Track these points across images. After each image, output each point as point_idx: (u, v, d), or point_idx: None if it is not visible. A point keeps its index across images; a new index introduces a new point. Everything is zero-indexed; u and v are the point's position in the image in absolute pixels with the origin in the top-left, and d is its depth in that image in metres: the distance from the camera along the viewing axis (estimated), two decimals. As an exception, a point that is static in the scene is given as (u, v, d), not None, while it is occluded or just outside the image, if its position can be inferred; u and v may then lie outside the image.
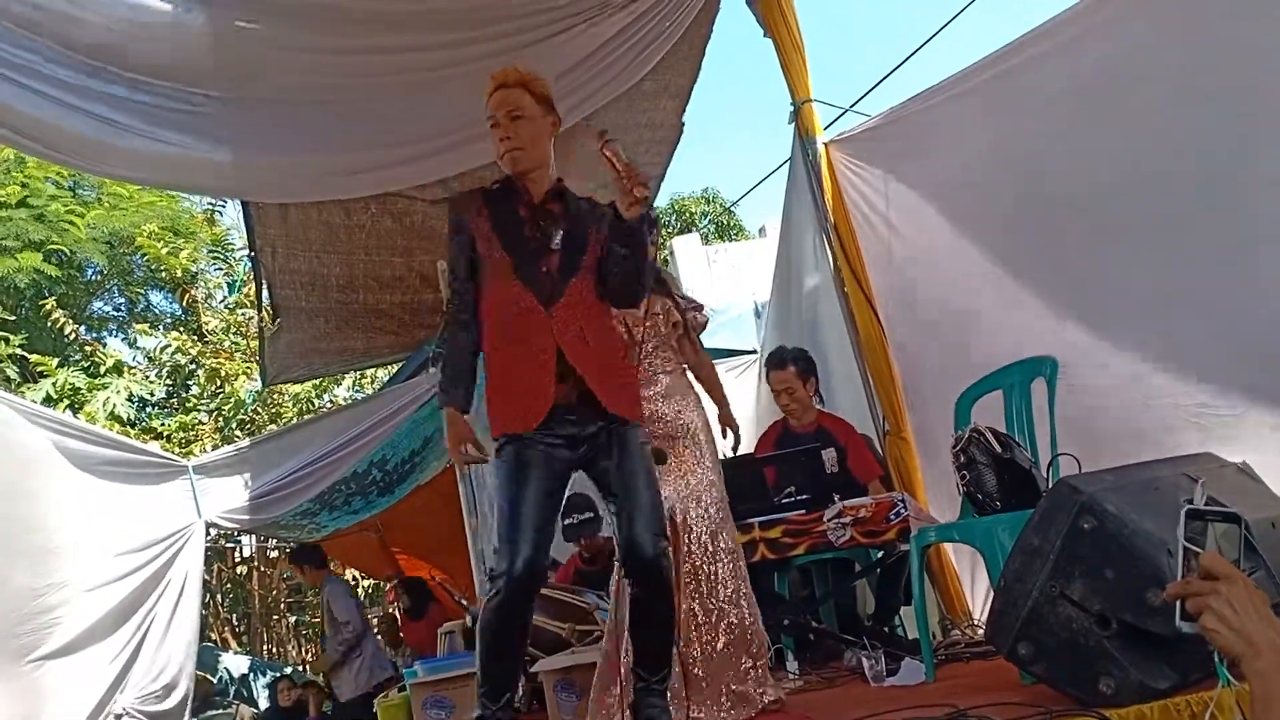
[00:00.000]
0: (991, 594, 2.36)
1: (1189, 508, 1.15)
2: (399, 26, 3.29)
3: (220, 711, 6.98)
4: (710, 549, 2.70)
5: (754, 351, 5.86)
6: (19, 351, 9.30)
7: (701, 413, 2.87)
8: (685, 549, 2.69)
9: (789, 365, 3.73)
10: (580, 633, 3.53)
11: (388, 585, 9.74)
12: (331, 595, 5.89)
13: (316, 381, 9.50)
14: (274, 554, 9.94)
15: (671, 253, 11.49)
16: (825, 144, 3.99)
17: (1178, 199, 2.97)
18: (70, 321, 9.35)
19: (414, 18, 3.27)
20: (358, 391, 10.32)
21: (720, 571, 2.69)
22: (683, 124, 5.11)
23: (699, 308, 3.07)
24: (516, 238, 2.32)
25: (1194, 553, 1.11)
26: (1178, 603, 1.09)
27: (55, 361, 9.31)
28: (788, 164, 4.39)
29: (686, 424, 2.81)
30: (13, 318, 9.87)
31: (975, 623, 3.40)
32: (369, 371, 10.04)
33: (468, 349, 2.37)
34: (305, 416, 8.81)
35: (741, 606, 2.68)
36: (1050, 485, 2.49)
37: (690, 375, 2.95)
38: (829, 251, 3.97)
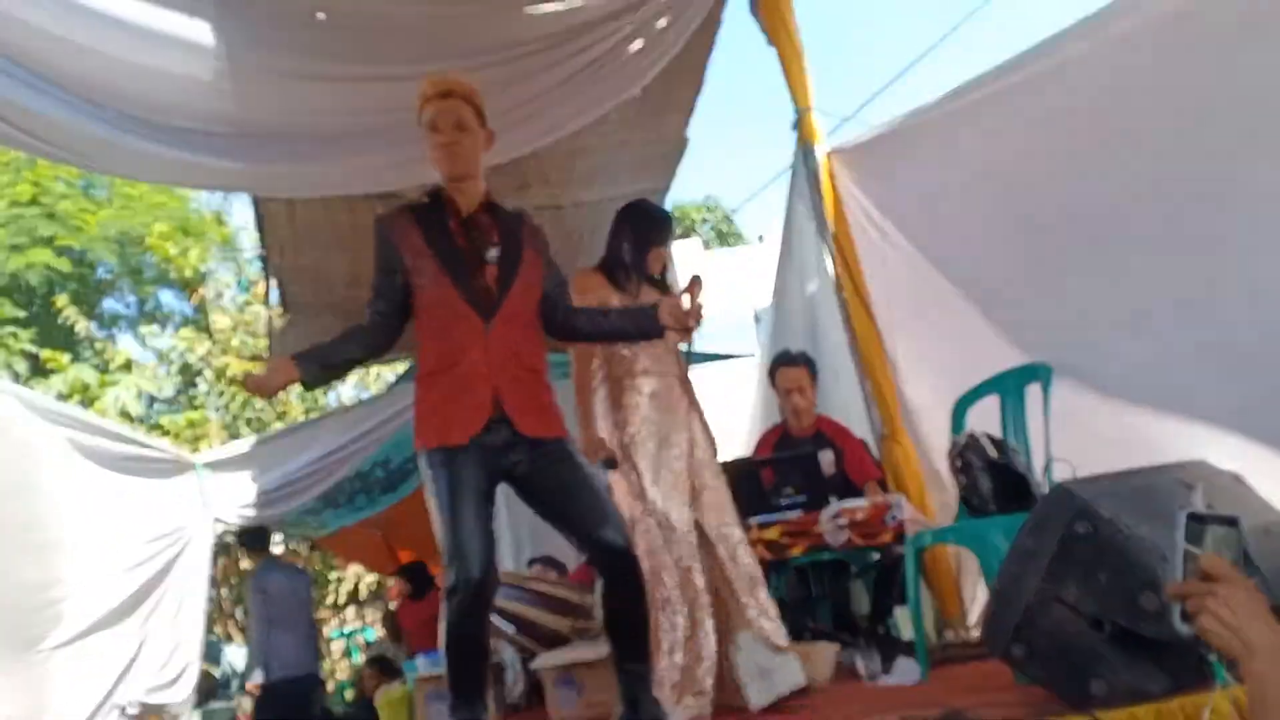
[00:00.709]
0: (986, 596, 2.36)
1: (1189, 511, 1.14)
2: (405, 44, 3.30)
3: (223, 705, 6.96)
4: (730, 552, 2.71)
5: (751, 355, 5.87)
6: (30, 347, 9.30)
7: (697, 416, 2.85)
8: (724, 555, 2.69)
9: (801, 364, 3.77)
10: (580, 629, 3.52)
11: (390, 582, 9.75)
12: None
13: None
14: (278, 549, 9.95)
15: (671, 258, 11.48)
16: (826, 153, 3.99)
17: (1172, 212, 2.98)
18: (81, 319, 9.35)
19: (416, 35, 3.28)
20: (363, 391, 10.32)
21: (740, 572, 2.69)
22: (686, 138, 5.11)
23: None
24: (450, 250, 2.30)
25: (1193, 555, 1.11)
26: (1177, 604, 1.09)
27: (66, 358, 9.31)
28: (788, 172, 4.39)
29: (699, 427, 2.79)
30: (24, 314, 9.88)
31: (970, 625, 3.40)
32: (374, 371, 10.05)
33: (354, 337, 2.35)
34: (311, 415, 8.81)
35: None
36: (1045, 490, 2.50)
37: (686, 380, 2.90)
38: (828, 258, 3.98)
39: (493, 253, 2.32)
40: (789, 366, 3.78)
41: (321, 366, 2.31)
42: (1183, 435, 2.82)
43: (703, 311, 2.25)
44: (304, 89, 3.36)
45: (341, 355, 2.36)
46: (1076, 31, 3.13)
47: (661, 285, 2.97)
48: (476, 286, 2.28)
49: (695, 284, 2.25)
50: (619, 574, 2.25)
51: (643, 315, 2.34)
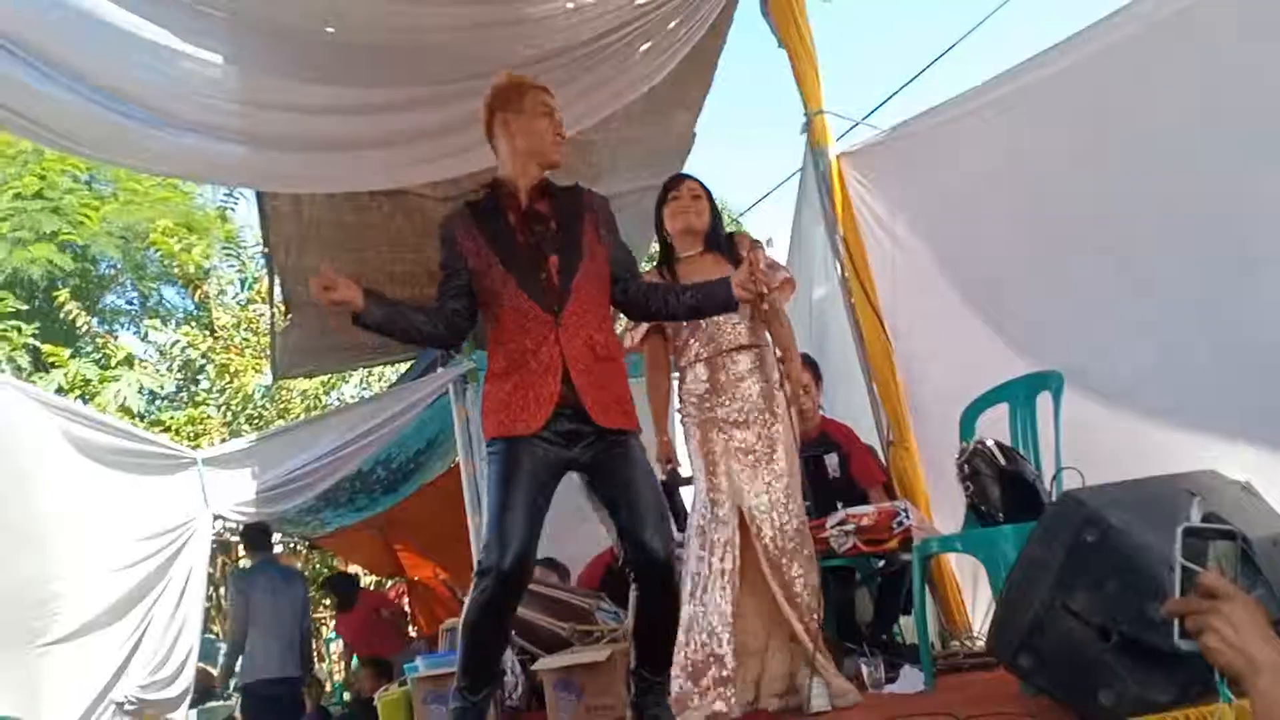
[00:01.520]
0: (992, 605, 2.35)
1: (1186, 525, 1.15)
2: (418, 38, 3.31)
3: (220, 703, 6.97)
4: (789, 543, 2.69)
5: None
6: (31, 341, 9.33)
7: (779, 397, 2.80)
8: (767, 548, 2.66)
9: (809, 367, 3.76)
10: (581, 633, 3.53)
11: (389, 583, 9.76)
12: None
13: (324, 379, 9.53)
14: (278, 549, 9.96)
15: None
16: (836, 156, 4.00)
17: (1183, 218, 2.98)
18: (83, 314, 9.38)
19: (437, 31, 3.30)
20: (365, 390, 10.34)
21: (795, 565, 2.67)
22: (694, 134, 5.12)
23: (774, 265, 2.95)
24: (511, 249, 2.32)
25: (1193, 571, 1.11)
26: (1175, 620, 1.09)
27: (67, 353, 9.34)
28: (798, 175, 4.40)
29: (761, 409, 2.74)
30: (26, 307, 9.91)
31: (975, 634, 3.39)
32: (376, 370, 10.06)
33: (428, 312, 2.34)
34: (313, 413, 8.83)
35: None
36: (1053, 498, 2.49)
37: (769, 355, 2.83)
38: (837, 262, 3.98)
39: (553, 244, 2.32)
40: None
41: (385, 316, 2.26)
42: (1193, 444, 2.82)
43: (774, 273, 2.24)
44: (313, 100, 3.39)
45: (408, 320, 2.32)
46: (1087, 33, 3.13)
47: (729, 252, 2.89)
48: (541, 283, 2.28)
49: (753, 249, 2.25)
50: (655, 583, 2.24)
51: (717, 288, 2.33)
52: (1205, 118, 2.87)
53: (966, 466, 2.66)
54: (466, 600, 2.21)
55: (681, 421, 2.81)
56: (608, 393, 2.29)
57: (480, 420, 2.38)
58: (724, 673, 2.56)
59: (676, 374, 2.92)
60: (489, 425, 2.30)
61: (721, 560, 2.63)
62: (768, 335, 2.86)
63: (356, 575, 8.58)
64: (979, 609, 3.56)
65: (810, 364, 3.80)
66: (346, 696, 8.33)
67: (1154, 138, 3.01)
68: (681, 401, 2.80)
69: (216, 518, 5.62)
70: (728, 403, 2.74)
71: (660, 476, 2.65)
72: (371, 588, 10.26)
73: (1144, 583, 1.82)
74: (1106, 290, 3.18)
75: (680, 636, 2.52)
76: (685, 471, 2.95)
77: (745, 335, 2.79)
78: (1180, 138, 2.95)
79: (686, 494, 3.13)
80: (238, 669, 5.65)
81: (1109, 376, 3.11)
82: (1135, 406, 3.08)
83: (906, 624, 3.58)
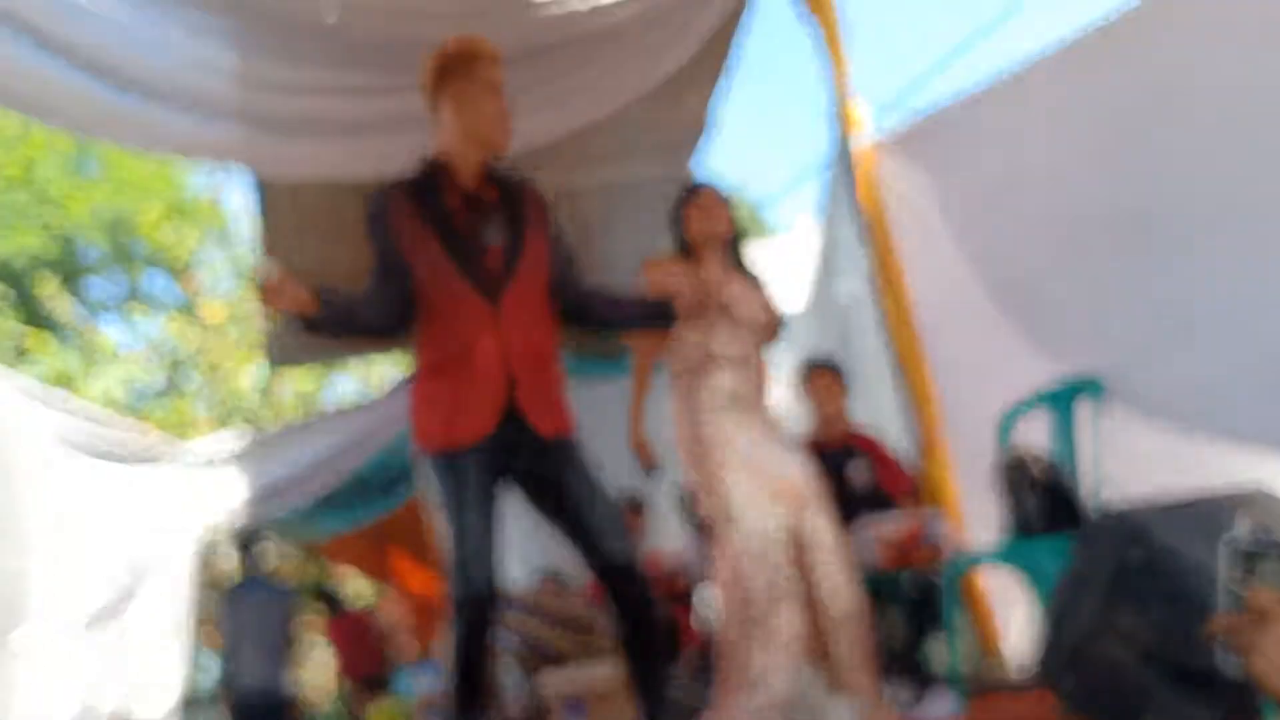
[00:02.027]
0: (1028, 624, 2.34)
1: (1233, 540, 1.13)
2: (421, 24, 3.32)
3: (207, 714, 7.00)
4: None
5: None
6: (14, 330, 9.41)
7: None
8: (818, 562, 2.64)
9: (829, 369, 3.80)
10: (584, 645, 3.53)
11: (384, 592, 9.78)
12: None
13: (319, 381, 9.57)
14: (274, 561, 10.00)
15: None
16: (865, 144, 3.98)
17: (1232, 217, 2.95)
18: (66, 304, 9.45)
19: (441, 17, 3.31)
20: (364, 393, 10.38)
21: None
22: (709, 121, 5.11)
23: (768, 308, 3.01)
24: (449, 232, 2.25)
25: (1238, 588, 1.10)
26: (1219, 639, 1.08)
27: (51, 344, 9.41)
28: (824, 164, 4.38)
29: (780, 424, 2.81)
30: (8, 296, 9.99)
31: (1008, 655, 3.37)
32: (374, 373, 10.09)
33: (370, 304, 2.27)
34: (308, 416, 8.87)
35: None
36: (1093, 510, 2.48)
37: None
38: (865, 255, 3.96)
39: (496, 230, 2.27)
40: (818, 371, 3.78)
41: (336, 317, 2.21)
42: (1237, 457, 2.79)
43: (718, 291, 2.24)
44: (313, 81, 3.40)
45: (360, 318, 2.26)
46: (1134, 12, 3.11)
47: (745, 272, 2.93)
48: (482, 269, 2.22)
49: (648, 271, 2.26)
50: (621, 589, 2.23)
51: (659, 305, 2.35)
52: (1262, 109, 2.84)
53: (1003, 476, 2.65)
54: (444, 632, 2.18)
55: (684, 424, 2.77)
56: (548, 396, 2.26)
57: (411, 419, 2.29)
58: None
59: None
60: (425, 431, 2.23)
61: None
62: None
63: (336, 594, 8.69)
64: (1011, 627, 3.53)
65: (833, 368, 3.79)
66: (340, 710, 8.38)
67: (1207, 131, 2.98)
68: (692, 400, 2.77)
69: (205, 521, 5.65)
70: (745, 411, 2.73)
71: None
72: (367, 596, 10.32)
73: (1191, 605, 1.81)
74: (1149, 293, 3.15)
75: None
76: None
77: (749, 354, 2.84)
78: (1232, 131, 2.92)
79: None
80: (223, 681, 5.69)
81: (1149, 383, 3.08)
82: (1176, 415, 3.05)
83: (937, 643, 3.56)
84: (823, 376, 3.75)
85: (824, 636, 2.60)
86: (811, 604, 2.61)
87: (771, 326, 2.92)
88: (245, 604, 5.64)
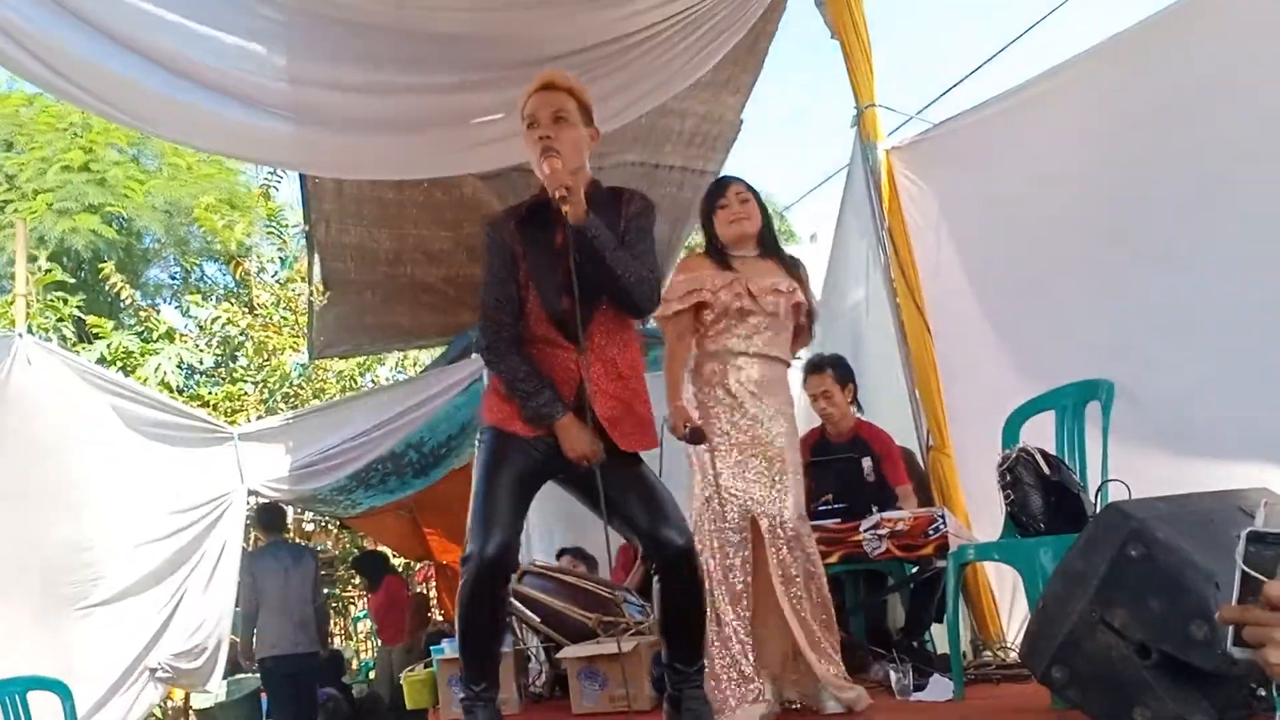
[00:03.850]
0: (1028, 616, 2.33)
1: (1251, 529, 1.10)
2: (466, 26, 3.35)
3: (249, 675, 7.14)
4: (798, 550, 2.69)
5: (797, 356, 5.83)
6: (76, 313, 9.58)
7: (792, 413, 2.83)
8: (778, 550, 2.67)
9: (826, 369, 3.73)
10: (606, 624, 3.56)
11: (418, 565, 9.90)
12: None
13: (360, 361, 9.66)
14: (309, 527, 10.13)
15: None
16: (886, 150, 3.96)
17: (1238, 223, 2.92)
18: (127, 286, 9.61)
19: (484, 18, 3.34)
20: (400, 373, 10.46)
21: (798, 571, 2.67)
22: (741, 120, 5.11)
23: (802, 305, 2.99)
24: (543, 268, 2.27)
25: (1254, 579, 1.06)
26: (1229, 628, 1.05)
27: (110, 325, 9.58)
28: (845, 170, 4.36)
29: (785, 417, 2.77)
30: (72, 280, 10.17)
31: (1008, 645, 3.36)
32: (411, 355, 10.17)
33: (521, 355, 2.28)
34: (348, 394, 8.96)
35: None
36: (1098, 511, 2.46)
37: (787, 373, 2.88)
38: (883, 260, 3.94)
39: (583, 268, 2.21)
40: (813, 374, 3.76)
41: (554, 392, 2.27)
42: (1245, 460, 2.76)
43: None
44: (358, 79, 3.43)
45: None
46: (1142, 28, 3.07)
47: (784, 259, 2.93)
48: (564, 312, 2.24)
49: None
50: (677, 573, 2.25)
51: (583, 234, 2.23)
52: (1265, 117, 2.80)
53: (1008, 474, 2.64)
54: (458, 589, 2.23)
55: (701, 407, 2.78)
56: (631, 416, 2.29)
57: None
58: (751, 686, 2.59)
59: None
60: (489, 412, 2.31)
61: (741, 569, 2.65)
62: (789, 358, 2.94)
63: (384, 555, 8.76)
64: (1014, 619, 3.52)
65: (839, 365, 3.77)
66: (372, 675, 8.50)
67: (1211, 138, 2.95)
68: (710, 386, 2.78)
69: (251, 493, 5.76)
70: (755, 407, 2.74)
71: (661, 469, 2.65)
72: (400, 569, 10.45)
73: (1188, 601, 1.80)
74: (1157, 297, 3.13)
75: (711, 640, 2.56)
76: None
77: (779, 349, 2.84)
78: (1237, 138, 2.89)
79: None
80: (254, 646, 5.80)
81: (1157, 387, 3.05)
82: (1184, 419, 3.02)
83: (939, 632, 3.56)
84: (827, 375, 3.72)
85: (800, 630, 2.63)
86: (769, 595, 2.65)
87: (803, 311, 2.92)
88: (265, 568, 5.73)
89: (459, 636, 2.24)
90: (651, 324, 3.07)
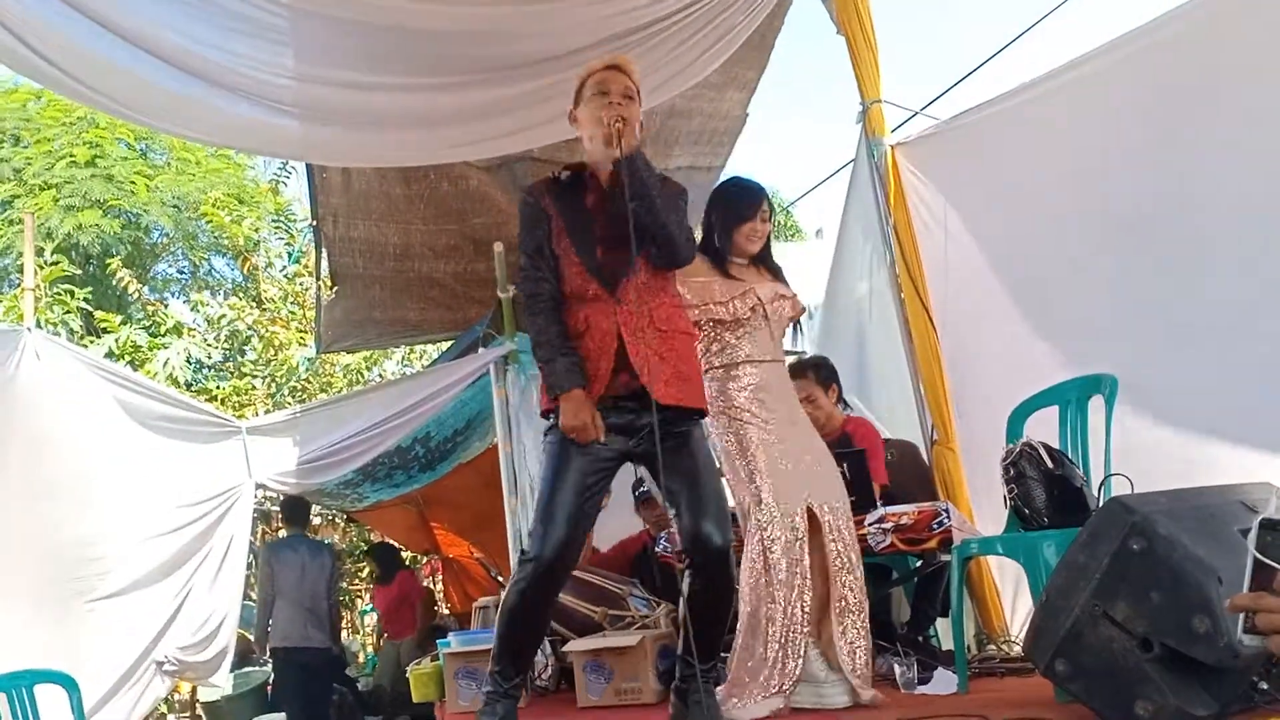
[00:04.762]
0: (1031, 610, 2.35)
1: (1265, 517, 1.09)
2: (472, 22, 3.36)
3: (257, 668, 7.19)
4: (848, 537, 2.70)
5: (803, 353, 5.84)
6: (84, 306, 9.63)
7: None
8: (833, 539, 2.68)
9: (807, 373, 3.67)
10: (613, 617, 3.58)
11: (424, 559, 9.94)
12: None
13: (367, 355, 9.70)
14: (316, 520, 10.19)
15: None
16: (892, 146, 3.96)
17: (1241, 220, 2.92)
18: (134, 281, 9.65)
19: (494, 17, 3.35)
20: (407, 367, 10.50)
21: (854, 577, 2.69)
22: (746, 114, 5.11)
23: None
24: (582, 227, 2.36)
25: (1270, 567, 1.06)
26: (1240, 616, 1.05)
27: (118, 320, 9.62)
28: (850, 165, 4.37)
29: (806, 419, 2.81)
30: (79, 273, 10.22)
31: (1012, 639, 3.37)
32: (419, 349, 10.20)
33: (555, 316, 2.34)
34: (355, 388, 8.99)
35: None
36: (1101, 505, 2.47)
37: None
38: (889, 256, 3.95)
39: (624, 226, 2.30)
40: (796, 378, 3.74)
41: (573, 361, 2.32)
42: (1247, 455, 2.77)
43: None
44: (365, 77, 3.45)
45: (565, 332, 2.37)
46: (1147, 26, 3.07)
47: (772, 266, 2.94)
48: (603, 262, 2.32)
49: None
50: (709, 571, 2.26)
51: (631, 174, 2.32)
52: (1266, 115, 2.80)
53: (1012, 468, 2.65)
54: (508, 585, 2.26)
55: (716, 418, 2.80)
56: (667, 365, 2.30)
57: (519, 401, 2.44)
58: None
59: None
60: (547, 397, 2.34)
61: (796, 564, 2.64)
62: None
63: (397, 548, 8.80)
64: (1018, 613, 3.53)
65: (821, 367, 3.75)
66: (378, 670, 8.54)
67: (1211, 136, 2.96)
68: (725, 398, 2.79)
69: (259, 487, 5.79)
70: (781, 411, 2.76)
71: None
72: (407, 563, 10.49)
73: (1190, 594, 1.81)
74: (1160, 294, 3.13)
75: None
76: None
77: (781, 351, 2.88)
78: (1238, 136, 2.89)
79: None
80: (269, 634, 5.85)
81: (1160, 383, 3.06)
82: (1186, 414, 3.03)
83: (943, 626, 3.57)
84: (809, 378, 3.67)
85: (827, 616, 2.64)
86: (820, 585, 2.65)
87: (795, 317, 2.95)
88: (284, 559, 5.78)
89: (501, 633, 2.26)
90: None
